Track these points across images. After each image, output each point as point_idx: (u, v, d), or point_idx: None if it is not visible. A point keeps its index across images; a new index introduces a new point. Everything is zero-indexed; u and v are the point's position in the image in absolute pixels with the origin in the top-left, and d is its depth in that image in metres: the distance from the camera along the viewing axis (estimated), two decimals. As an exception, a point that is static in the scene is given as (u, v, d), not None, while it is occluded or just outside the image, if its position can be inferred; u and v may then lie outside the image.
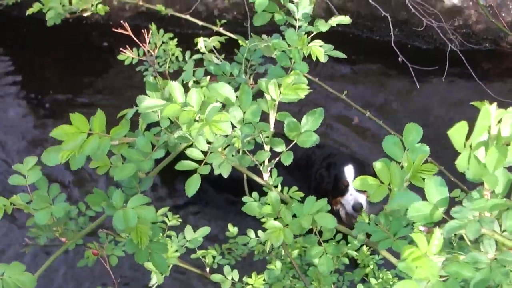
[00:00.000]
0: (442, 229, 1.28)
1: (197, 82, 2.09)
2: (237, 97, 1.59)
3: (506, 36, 5.09)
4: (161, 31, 2.98)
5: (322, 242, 1.63)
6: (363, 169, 3.76)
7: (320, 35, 1.98)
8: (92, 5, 3.06)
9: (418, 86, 4.74)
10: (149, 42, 2.67)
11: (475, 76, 4.71)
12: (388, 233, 1.59)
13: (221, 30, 2.79)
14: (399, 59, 4.71)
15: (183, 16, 3.30)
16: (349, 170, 3.77)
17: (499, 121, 1.17)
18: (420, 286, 1.25)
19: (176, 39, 3.00)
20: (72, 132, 1.43)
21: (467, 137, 1.16)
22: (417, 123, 1.49)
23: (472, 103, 1.22)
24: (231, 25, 5.13)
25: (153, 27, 2.95)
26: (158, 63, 2.83)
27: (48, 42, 5.40)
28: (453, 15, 5.11)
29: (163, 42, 2.93)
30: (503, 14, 4.99)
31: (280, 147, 1.65)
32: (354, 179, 1.62)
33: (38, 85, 5.39)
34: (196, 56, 2.37)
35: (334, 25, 2.00)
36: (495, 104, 1.16)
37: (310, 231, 1.65)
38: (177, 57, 2.89)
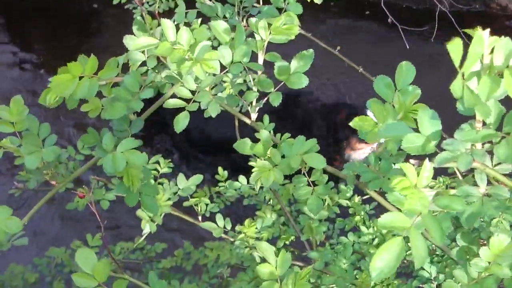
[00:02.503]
0: (433, 161, 1.28)
1: (187, 25, 2.08)
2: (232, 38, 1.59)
3: (496, -3, 5.09)
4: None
5: (311, 182, 1.63)
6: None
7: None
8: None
9: (408, 47, 4.74)
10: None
11: (464, 37, 4.70)
12: (378, 174, 1.59)
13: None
14: (389, 20, 4.70)
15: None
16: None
17: (492, 51, 1.16)
18: (409, 218, 1.25)
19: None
20: (68, 79, 1.44)
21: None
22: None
23: (463, 30, 1.21)
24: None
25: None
26: (148, 2, 2.80)
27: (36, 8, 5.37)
28: (445, -25, 5.11)
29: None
30: (493, -26, 5.00)
31: (268, 88, 1.65)
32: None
33: (29, 50, 5.37)
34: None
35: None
36: (488, 30, 1.15)
37: (299, 172, 1.65)
38: (167, -4, 2.85)
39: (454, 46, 1.14)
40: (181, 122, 1.57)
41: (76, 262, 1.48)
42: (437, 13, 4.68)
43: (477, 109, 1.20)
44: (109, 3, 2.63)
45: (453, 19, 4.62)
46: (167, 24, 1.46)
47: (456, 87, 1.16)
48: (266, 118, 2.29)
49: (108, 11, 5.64)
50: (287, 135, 2.36)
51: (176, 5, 2.62)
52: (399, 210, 1.26)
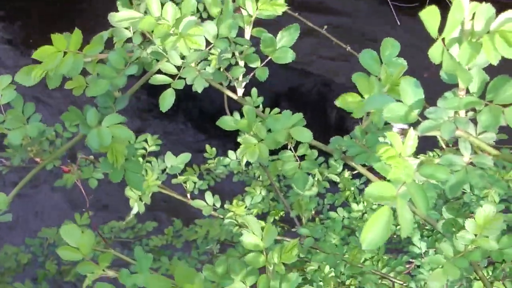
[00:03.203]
0: (416, 129, 1.28)
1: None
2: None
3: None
4: None
5: (297, 157, 1.63)
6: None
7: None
8: None
9: (398, 23, 4.73)
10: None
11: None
12: (364, 147, 1.59)
13: None
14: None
15: None
16: None
17: (473, 17, 1.16)
18: (395, 187, 1.25)
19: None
20: (52, 52, 1.44)
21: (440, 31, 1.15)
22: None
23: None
24: None
25: None
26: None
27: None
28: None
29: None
30: None
31: (255, 63, 1.65)
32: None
33: (17, 28, 5.34)
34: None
35: None
36: (467, -5, 1.15)
37: (286, 148, 1.65)
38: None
39: (428, 14, 1.13)
40: (167, 99, 1.56)
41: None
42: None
43: (459, 75, 1.20)
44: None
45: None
46: (152, -1, 1.46)
47: (435, 52, 1.15)
48: (254, 91, 2.28)
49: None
50: (276, 110, 2.37)
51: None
52: (385, 180, 1.26)
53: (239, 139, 1.61)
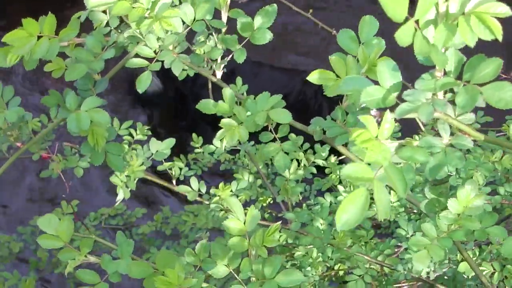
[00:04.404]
0: (394, 112, 1.27)
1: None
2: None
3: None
4: None
5: (277, 138, 1.62)
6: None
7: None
8: None
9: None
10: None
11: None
12: (344, 128, 1.58)
13: None
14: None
15: None
16: None
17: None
18: (372, 170, 1.24)
19: None
20: (24, 36, 1.42)
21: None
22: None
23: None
24: None
25: None
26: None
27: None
28: None
29: None
30: None
31: (233, 45, 1.64)
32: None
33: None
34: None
35: None
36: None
37: (266, 129, 1.64)
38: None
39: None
40: (143, 82, 1.57)
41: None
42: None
43: (433, 57, 1.19)
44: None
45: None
46: (124, -17, 1.45)
47: (403, 35, 1.14)
48: (239, 80, 2.29)
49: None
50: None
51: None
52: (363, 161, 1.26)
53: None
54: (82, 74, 1.50)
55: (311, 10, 2.99)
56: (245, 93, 2.29)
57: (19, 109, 1.59)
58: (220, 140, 1.55)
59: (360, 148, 1.26)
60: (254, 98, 1.97)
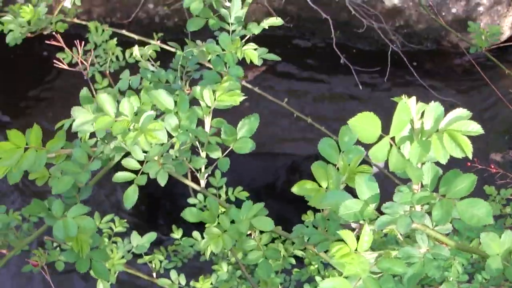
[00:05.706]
0: (373, 225, 1.32)
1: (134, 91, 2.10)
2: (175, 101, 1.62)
3: (447, 35, 5.19)
4: (100, 29, 2.96)
5: (260, 246, 1.66)
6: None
7: (262, 40, 1.99)
8: (51, 23, 3.03)
9: (360, 88, 4.81)
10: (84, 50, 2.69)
11: (417, 76, 4.79)
12: (326, 235, 1.62)
13: (158, 43, 2.75)
14: (341, 61, 4.77)
15: (119, 31, 3.27)
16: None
17: (422, 115, 1.21)
18: (350, 283, 1.28)
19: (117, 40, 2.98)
20: (9, 148, 1.45)
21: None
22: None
23: (392, 98, 1.25)
24: (172, 31, 5.13)
25: (91, 26, 2.95)
26: (99, 62, 2.82)
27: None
28: (394, 16, 5.18)
29: (103, 42, 2.94)
30: (443, 13, 5.08)
31: (216, 154, 1.68)
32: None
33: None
34: (132, 60, 2.39)
35: (267, 27, 2.01)
36: (414, 98, 1.20)
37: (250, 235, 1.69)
38: (117, 57, 2.88)
39: (362, 121, 1.18)
40: (130, 197, 1.60)
41: None
42: (389, 53, 4.74)
43: (408, 173, 1.24)
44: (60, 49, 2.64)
45: (405, 58, 4.69)
46: (104, 99, 1.48)
47: (378, 152, 1.20)
48: (218, 173, 2.33)
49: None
50: (239, 188, 2.41)
51: (128, 64, 2.66)
52: (341, 274, 1.30)
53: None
54: (68, 186, 1.53)
55: (286, 99, 3.05)
56: (224, 186, 2.34)
57: (5, 217, 1.61)
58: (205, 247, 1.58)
59: (340, 262, 1.30)
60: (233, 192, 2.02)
